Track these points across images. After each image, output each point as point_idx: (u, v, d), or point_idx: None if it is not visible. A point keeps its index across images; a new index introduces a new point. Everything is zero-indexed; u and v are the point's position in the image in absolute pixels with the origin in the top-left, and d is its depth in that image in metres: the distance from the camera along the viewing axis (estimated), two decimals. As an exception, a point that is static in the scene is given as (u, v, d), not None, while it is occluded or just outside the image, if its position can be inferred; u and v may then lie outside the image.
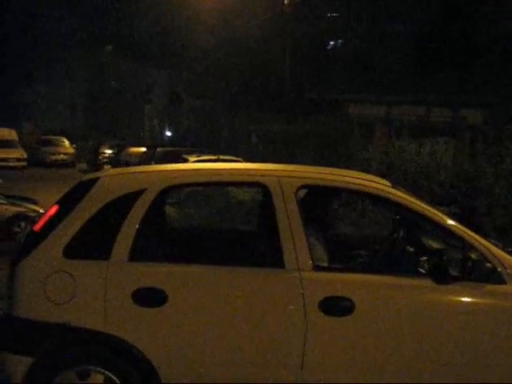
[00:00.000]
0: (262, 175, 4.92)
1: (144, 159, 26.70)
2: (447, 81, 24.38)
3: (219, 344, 4.52)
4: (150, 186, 4.75)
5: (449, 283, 4.56)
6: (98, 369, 4.54)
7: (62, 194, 5.01)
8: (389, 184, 5.11)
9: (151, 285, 4.52)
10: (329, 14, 36.85)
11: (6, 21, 60.41)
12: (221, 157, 20.62)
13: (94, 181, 4.87)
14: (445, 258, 4.59)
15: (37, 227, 4.75)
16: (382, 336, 4.51)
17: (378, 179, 5.26)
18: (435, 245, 5.30)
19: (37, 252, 4.61)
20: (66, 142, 43.01)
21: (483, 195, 14.21)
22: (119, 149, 35.08)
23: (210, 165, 5.56)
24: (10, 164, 36.13)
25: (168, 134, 49.50)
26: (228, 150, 25.72)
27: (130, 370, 4.52)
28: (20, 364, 4.54)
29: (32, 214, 13.69)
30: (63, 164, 39.74)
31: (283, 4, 28.49)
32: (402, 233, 5.73)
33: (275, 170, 5.09)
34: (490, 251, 4.65)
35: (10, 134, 41.79)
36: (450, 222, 4.77)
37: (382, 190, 4.90)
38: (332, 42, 38.31)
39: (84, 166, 39.42)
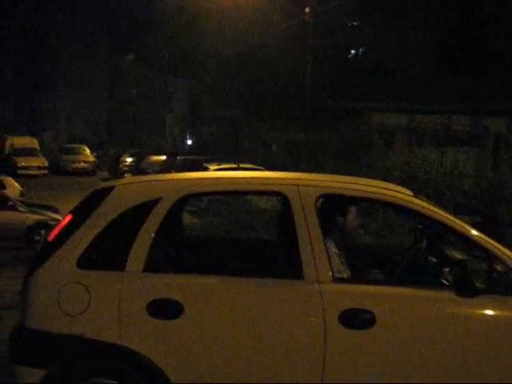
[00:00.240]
0: (280, 184, 4.82)
1: (164, 167, 26.72)
2: (469, 89, 24.14)
3: (236, 358, 4.40)
4: (166, 194, 4.65)
5: (473, 296, 4.41)
6: (112, 382, 4.43)
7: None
8: (410, 193, 4.97)
9: (167, 296, 4.42)
10: (350, 23, 36.74)
11: (29, 31, 60.88)
12: (241, 165, 20.58)
13: (109, 189, 4.78)
14: (469, 269, 4.45)
15: (51, 237, 4.67)
16: (404, 350, 4.37)
17: (399, 188, 5.13)
18: (458, 255, 5.16)
19: (50, 262, 4.53)
20: (87, 151, 43.16)
21: (506, 204, 14.02)
22: (139, 157, 35.09)
23: (229, 173, 5.49)
24: (32, 172, 36.36)
25: (189, 142, 49.54)
26: (248, 159, 25.65)
27: (144, 384, 4.42)
28: (32, 376, 4.44)
29: (53, 223, 13.69)
30: (84, 172, 39.85)
31: (304, 13, 28.41)
32: (424, 243, 5.60)
33: (294, 179, 4.98)
34: None
35: (31, 142, 42.15)
36: (474, 232, 4.63)
37: (403, 200, 4.77)
38: (353, 51, 38.18)
39: (105, 174, 39.52)
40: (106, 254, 4.55)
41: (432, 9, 30.01)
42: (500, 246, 4.57)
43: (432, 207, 4.75)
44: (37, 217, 15.13)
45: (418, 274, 5.17)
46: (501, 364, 4.37)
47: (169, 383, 4.40)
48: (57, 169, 39.99)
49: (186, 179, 5.09)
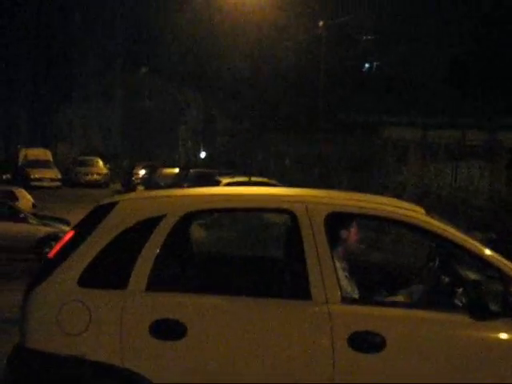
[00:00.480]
0: (288, 201, 4.68)
1: (177, 181, 26.67)
2: (483, 103, 24.01)
3: (242, 381, 4.25)
4: (170, 211, 4.53)
5: (488, 319, 4.24)
6: (113, 404, 4.30)
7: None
8: (423, 211, 4.81)
9: (170, 316, 4.27)
10: (364, 37, 36.73)
11: (46, 43, 61.29)
12: (253, 179, 20.47)
13: (112, 205, 4.66)
14: (483, 290, 4.28)
15: (51, 254, 4.55)
16: (415, 376, 4.20)
17: (411, 206, 4.96)
18: (473, 275, 4.99)
19: (50, 280, 4.39)
20: (100, 163, 43.23)
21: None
22: (152, 170, 35.07)
23: (236, 189, 5.35)
24: (45, 184, 36.45)
25: (202, 155, 49.55)
26: (261, 172, 25.56)
27: (146, 406, 4.28)
28: None
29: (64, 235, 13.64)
30: (97, 184, 39.90)
31: (318, 27, 28.40)
32: (437, 262, 5.44)
33: (303, 196, 4.86)
34: None
35: (45, 154, 42.30)
36: (488, 252, 4.46)
37: (415, 218, 4.62)
38: (367, 65, 38.14)
39: (118, 186, 39.54)
40: (108, 272, 4.41)
41: (446, 23, 29.92)
42: (515, 267, 4.41)
43: (444, 226, 4.60)
44: (48, 229, 15.14)
45: (431, 295, 5.02)
46: None
47: None
48: (70, 181, 40.07)
49: (192, 196, 4.97)
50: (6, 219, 15.03)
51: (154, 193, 5.39)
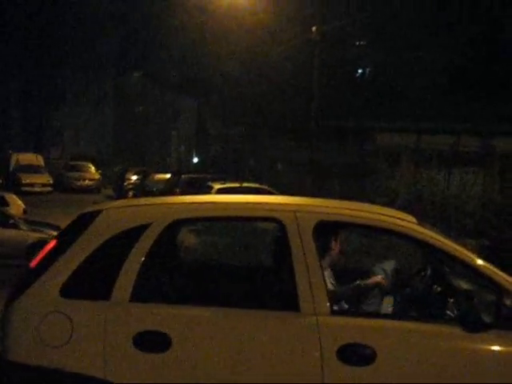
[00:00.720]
0: (277, 210, 4.57)
1: (168, 186, 26.54)
2: (478, 109, 23.95)
3: None
4: (156, 219, 4.42)
5: (480, 331, 4.13)
6: (95, 419, 4.17)
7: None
8: (414, 220, 4.71)
9: (154, 328, 4.16)
10: (357, 42, 36.66)
11: (36, 46, 61.05)
12: (245, 184, 20.36)
13: (96, 213, 4.54)
14: (475, 301, 4.18)
15: (33, 263, 4.43)
16: None
17: (402, 215, 4.84)
18: (465, 285, 4.89)
19: (32, 290, 4.28)
20: (92, 168, 43.02)
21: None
22: (144, 175, 34.92)
23: (225, 197, 5.24)
24: (36, 189, 36.21)
25: (195, 160, 49.41)
26: (253, 178, 25.45)
27: (129, 421, 4.16)
28: None
29: (49, 243, 13.48)
30: (88, 190, 39.67)
31: (311, 32, 28.30)
32: (429, 271, 5.35)
33: (292, 204, 4.75)
34: None
35: (36, 159, 42.04)
36: (480, 262, 4.36)
37: (405, 227, 4.51)
38: (360, 70, 38.06)
39: (110, 191, 39.34)
40: (91, 282, 4.30)
41: (441, 28, 29.91)
42: (508, 278, 4.31)
43: (435, 235, 4.50)
44: (38, 235, 14.97)
45: (422, 305, 4.92)
46: None
47: None
48: (61, 186, 39.85)
49: (178, 204, 4.86)
50: (-4, 225, 14.88)
51: (138, 201, 5.25)
